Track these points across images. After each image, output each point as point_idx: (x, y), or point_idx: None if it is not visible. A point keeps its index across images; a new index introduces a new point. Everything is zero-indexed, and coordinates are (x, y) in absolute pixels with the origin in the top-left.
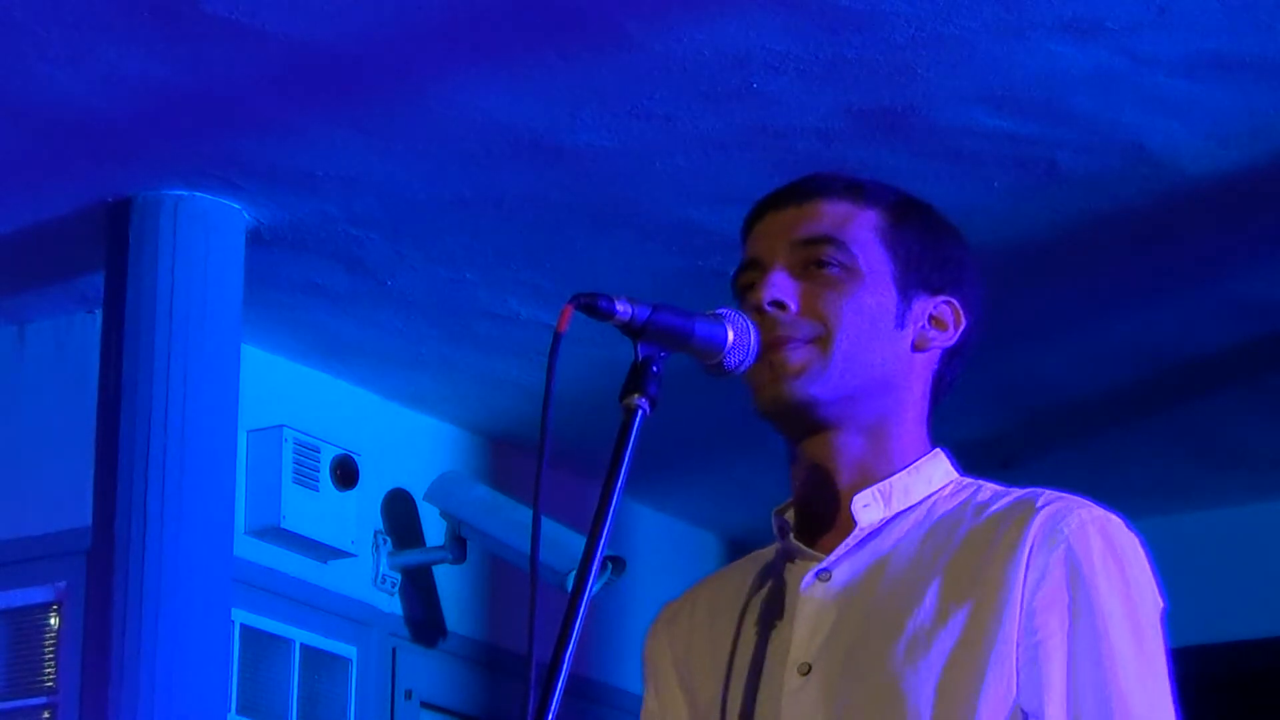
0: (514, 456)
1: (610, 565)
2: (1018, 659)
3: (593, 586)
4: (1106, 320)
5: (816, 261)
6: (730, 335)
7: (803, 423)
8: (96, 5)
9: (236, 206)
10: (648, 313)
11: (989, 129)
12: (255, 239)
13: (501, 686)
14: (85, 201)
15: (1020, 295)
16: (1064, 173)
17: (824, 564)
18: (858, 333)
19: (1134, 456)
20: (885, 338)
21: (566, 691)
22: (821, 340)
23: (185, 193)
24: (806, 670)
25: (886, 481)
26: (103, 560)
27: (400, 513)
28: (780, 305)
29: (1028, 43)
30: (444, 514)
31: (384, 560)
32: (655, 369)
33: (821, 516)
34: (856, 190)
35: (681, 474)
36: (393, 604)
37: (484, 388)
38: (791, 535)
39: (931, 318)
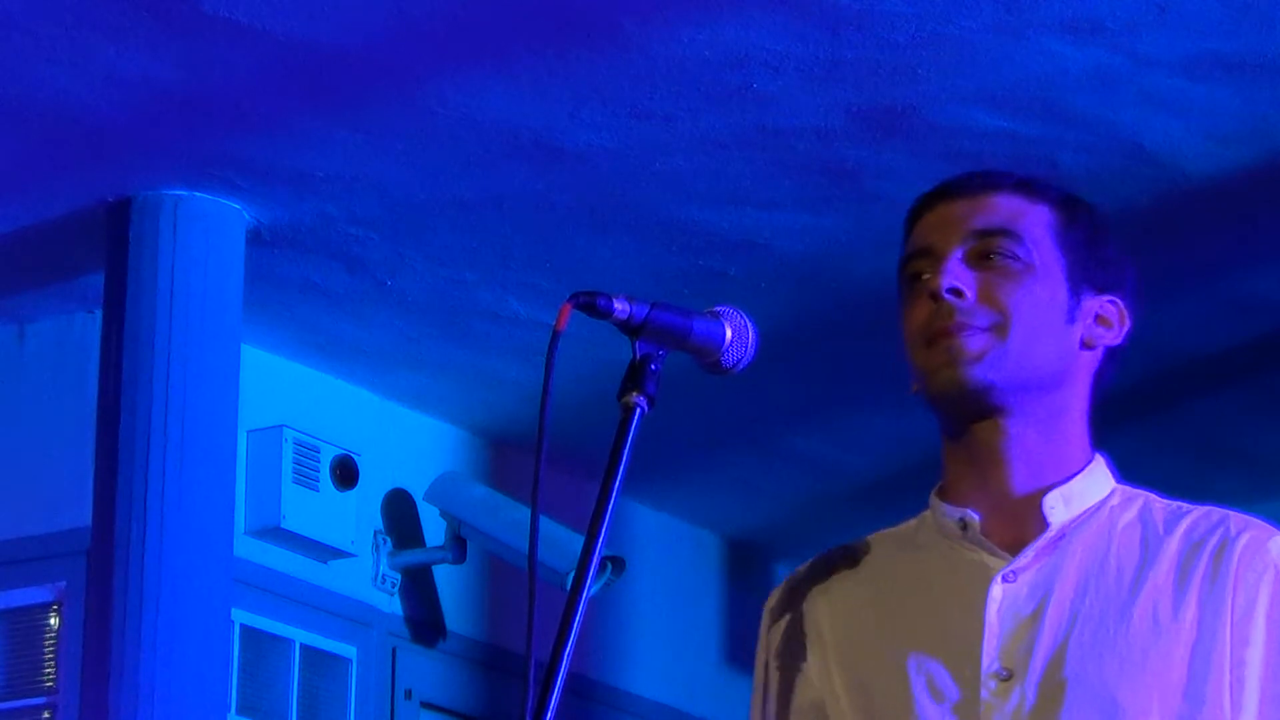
0: (514, 456)
1: (610, 565)
2: (1231, 683)
3: (591, 585)
4: None
5: (992, 252)
6: (728, 333)
7: (976, 406)
8: (96, 5)
9: (236, 206)
10: (646, 311)
11: (989, 129)
12: (255, 239)
13: (501, 686)
14: (85, 201)
15: None
16: (1064, 173)
17: (1013, 566)
18: (1033, 324)
19: (1134, 456)
20: (1057, 332)
21: (566, 691)
22: (999, 328)
23: (185, 193)
24: (1007, 677)
25: (1068, 485)
26: (103, 560)
27: (400, 513)
28: (958, 293)
29: (1028, 43)
30: (444, 514)
31: (384, 560)
32: (653, 367)
33: (993, 511)
34: (1028, 186)
35: (681, 474)
36: (393, 604)
37: (484, 388)
38: (978, 529)
39: (1098, 316)
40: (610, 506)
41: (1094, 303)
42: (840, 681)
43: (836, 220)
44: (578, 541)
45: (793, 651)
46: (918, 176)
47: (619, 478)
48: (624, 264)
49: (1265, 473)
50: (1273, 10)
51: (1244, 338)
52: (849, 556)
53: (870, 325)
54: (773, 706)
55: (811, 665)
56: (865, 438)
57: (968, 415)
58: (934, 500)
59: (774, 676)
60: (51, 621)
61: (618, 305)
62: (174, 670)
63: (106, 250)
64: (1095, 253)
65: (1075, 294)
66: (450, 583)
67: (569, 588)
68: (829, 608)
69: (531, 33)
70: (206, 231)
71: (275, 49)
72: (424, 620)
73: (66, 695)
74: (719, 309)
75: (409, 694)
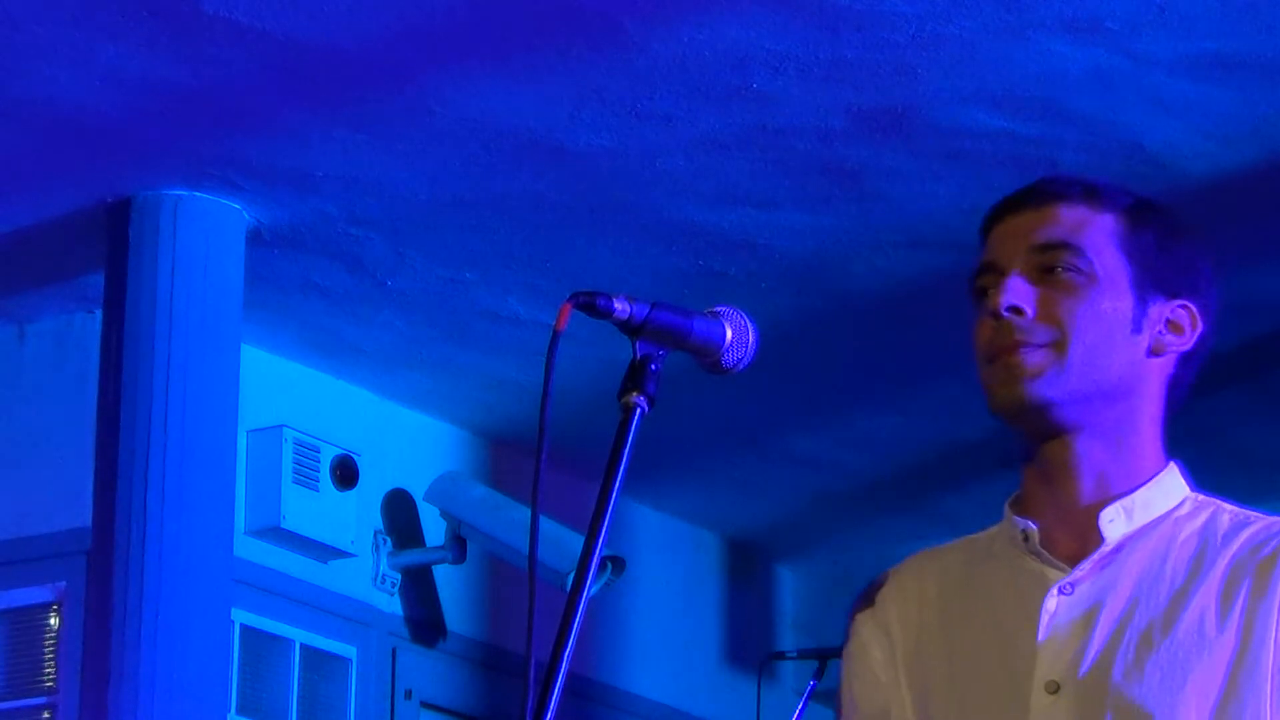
0: (514, 456)
1: (610, 565)
2: (1272, 695)
3: (591, 585)
4: None
5: (1053, 266)
6: (728, 333)
7: (1039, 424)
8: (96, 5)
9: (236, 206)
10: (646, 311)
11: (989, 129)
12: (255, 239)
13: (501, 686)
14: (85, 201)
15: None
16: (1064, 173)
17: (1070, 578)
18: (1094, 337)
19: None
20: (1121, 342)
21: (566, 691)
22: (1057, 344)
23: (185, 193)
24: (1055, 689)
25: (1129, 497)
26: (103, 560)
27: (400, 513)
28: (1017, 310)
29: (1028, 43)
30: (444, 514)
31: (384, 560)
32: (654, 367)
33: (1058, 523)
34: (1093, 194)
35: (681, 474)
36: (393, 604)
37: (484, 388)
38: (1037, 541)
39: (1168, 322)
40: (610, 506)
41: (1163, 309)
42: (905, 685)
43: (836, 220)
44: (578, 541)
45: (869, 652)
46: (918, 176)
47: (619, 478)
48: (624, 264)
49: (1265, 473)
50: (1273, 10)
51: (1244, 338)
52: (929, 561)
53: (870, 325)
54: (852, 706)
55: (883, 667)
56: (865, 438)
57: (1035, 433)
58: (1006, 510)
59: (852, 675)
60: (51, 621)
61: (618, 305)
62: (174, 670)
63: (106, 250)
64: (1165, 258)
65: (1142, 302)
66: (450, 583)
67: (569, 588)
68: (900, 611)
69: (531, 33)
70: (206, 231)
71: (275, 49)
72: (424, 620)
73: (66, 695)
74: (719, 309)
75: (409, 694)
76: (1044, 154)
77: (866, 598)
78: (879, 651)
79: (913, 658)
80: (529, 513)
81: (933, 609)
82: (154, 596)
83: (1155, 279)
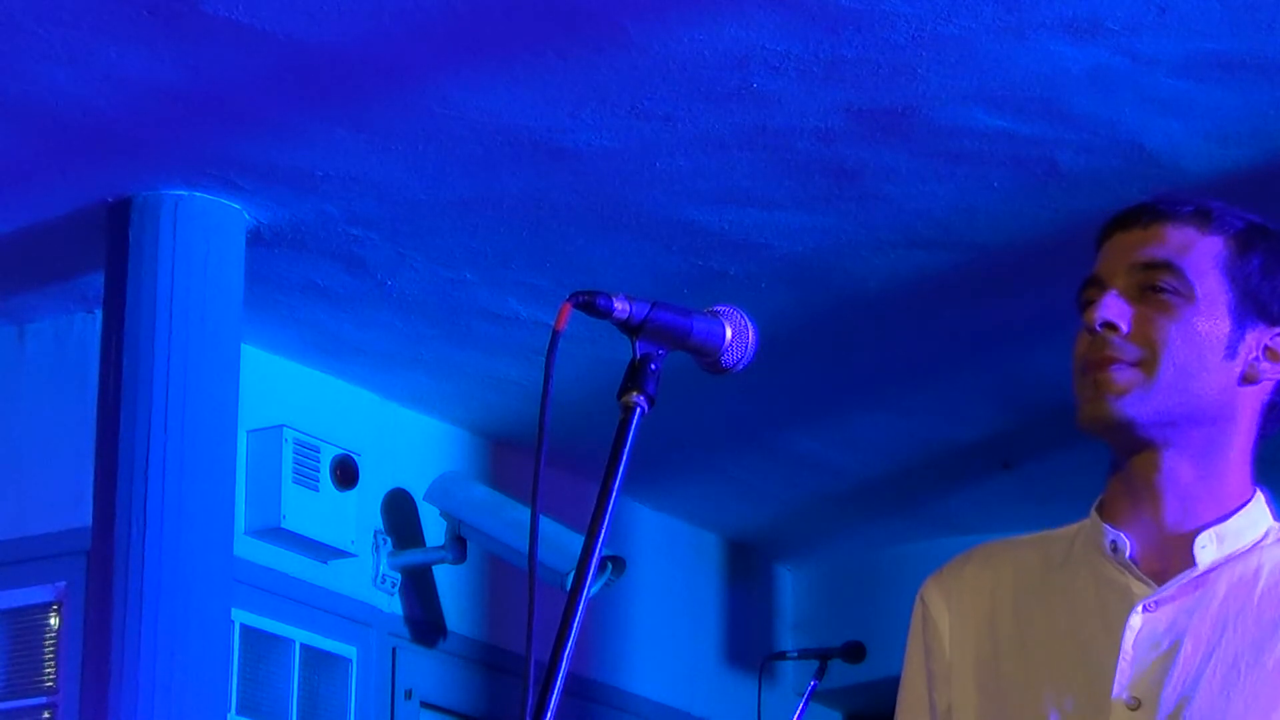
0: (514, 456)
1: (610, 565)
2: None
3: (591, 585)
4: None
5: (1152, 285)
6: (728, 333)
7: (1124, 441)
8: (96, 5)
9: (236, 206)
10: (646, 310)
11: (989, 129)
12: (255, 239)
13: (501, 686)
14: (85, 201)
15: (1020, 295)
16: (1064, 173)
17: (1156, 596)
18: (1184, 359)
19: None
20: (1213, 367)
21: (566, 691)
22: (1146, 363)
23: (185, 193)
24: (1136, 706)
25: (1224, 524)
26: (103, 560)
27: (400, 513)
28: (1111, 327)
29: (1028, 43)
30: (444, 514)
31: (384, 560)
32: (653, 367)
33: (1143, 538)
34: (1203, 216)
35: (681, 474)
36: (393, 604)
37: (484, 388)
38: (1127, 553)
39: (1266, 349)
40: (610, 506)
41: (1262, 335)
42: (972, 685)
43: (836, 220)
44: (578, 541)
45: (938, 645)
46: (918, 176)
47: (619, 478)
48: (624, 264)
49: (1264, 473)
50: (1273, 10)
51: None
52: (1003, 553)
53: (870, 325)
54: (920, 702)
55: (952, 662)
56: (865, 438)
57: (1120, 448)
58: (1093, 515)
59: (919, 670)
60: (51, 621)
61: (617, 305)
62: (174, 670)
63: (106, 250)
64: (1270, 285)
65: (1239, 328)
66: (450, 583)
67: (569, 588)
68: (974, 601)
69: (531, 33)
70: (206, 231)
71: (275, 49)
72: (424, 620)
73: (66, 695)
74: (719, 309)
75: (409, 694)
76: (1044, 154)
77: (939, 577)
78: (947, 632)
79: (986, 656)
80: (529, 513)
81: (1007, 606)
82: (154, 596)
83: (1257, 305)
